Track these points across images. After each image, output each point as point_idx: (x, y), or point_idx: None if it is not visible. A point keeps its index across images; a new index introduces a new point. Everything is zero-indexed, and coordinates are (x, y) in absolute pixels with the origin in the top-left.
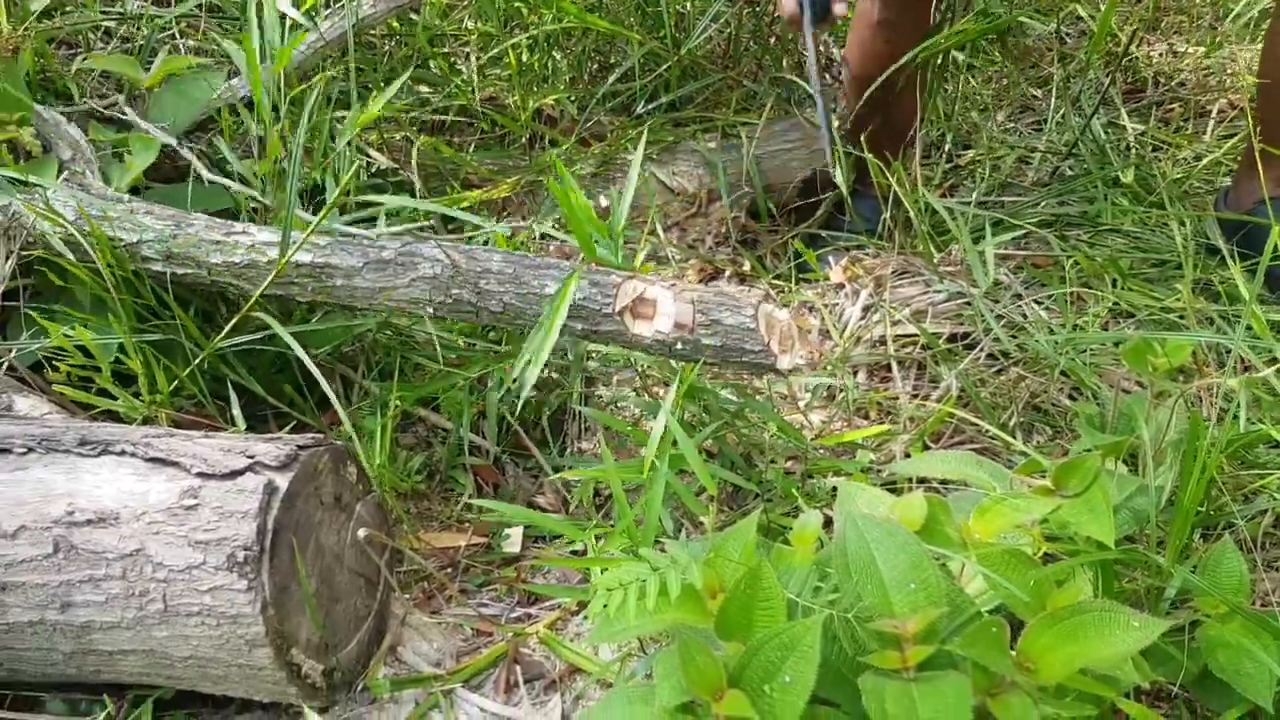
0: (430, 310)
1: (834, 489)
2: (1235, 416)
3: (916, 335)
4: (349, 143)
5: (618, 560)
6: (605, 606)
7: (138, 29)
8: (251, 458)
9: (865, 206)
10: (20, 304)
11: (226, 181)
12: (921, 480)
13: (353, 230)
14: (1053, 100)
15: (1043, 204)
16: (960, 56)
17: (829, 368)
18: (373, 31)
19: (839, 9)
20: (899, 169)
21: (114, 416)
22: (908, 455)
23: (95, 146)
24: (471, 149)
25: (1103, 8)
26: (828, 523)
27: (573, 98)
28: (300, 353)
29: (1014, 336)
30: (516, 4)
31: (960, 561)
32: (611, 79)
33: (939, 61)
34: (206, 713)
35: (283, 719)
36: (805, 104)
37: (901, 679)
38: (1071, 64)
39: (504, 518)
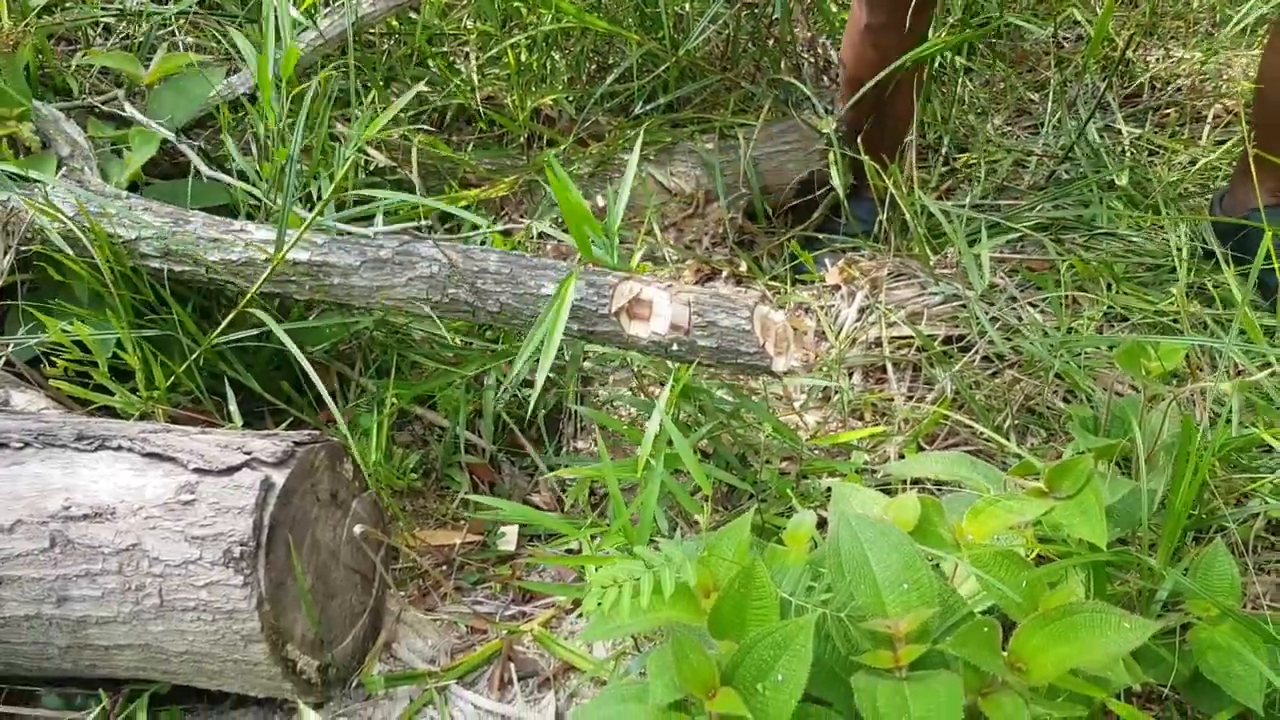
0: (427, 309)
1: (828, 490)
2: (1228, 420)
3: (912, 337)
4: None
5: (612, 558)
6: (600, 604)
7: (137, 25)
8: (248, 454)
9: (862, 209)
10: (18, 300)
11: (225, 178)
12: (915, 481)
13: (351, 229)
14: (1049, 104)
15: (1038, 207)
16: (958, 60)
17: (824, 369)
18: (372, 30)
19: None
20: (895, 171)
21: (111, 412)
22: (902, 457)
23: (95, 143)
24: (470, 148)
25: (1100, 12)
26: (822, 523)
27: (571, 98)
28: (295, 351)
29: (1009, 339)
30: (515, 4)
31: (953, 562)
32: (610, 79)
33: (935, 65)
34: (202, 708)
35: (277, 715)
36: (802, 106)
37: (894, 678)
38: (1068, 68)
39: (500, 515)
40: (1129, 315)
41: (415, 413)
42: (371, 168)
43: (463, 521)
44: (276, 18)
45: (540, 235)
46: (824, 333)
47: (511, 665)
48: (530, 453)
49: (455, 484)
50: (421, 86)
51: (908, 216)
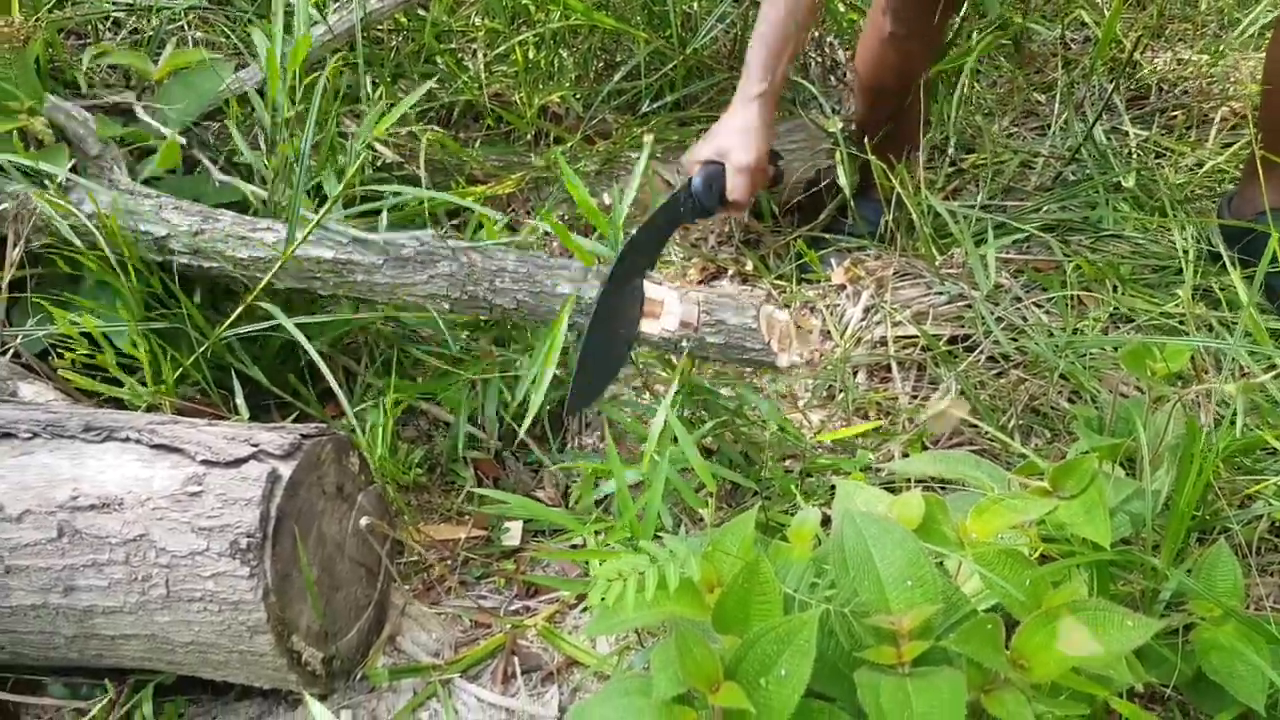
0: (447, 306)
1: (832, 487)
2: (1232, 422)
3: (917, 337)
4: (362, 140)
5: (617, 553)
6: (604, 598)
7: (147, 20)
8: (255, 446)
9: (868, 208)
10: (28, 292)
11: (239, 182)
12: (920, 480)
13: (366, 235)
14: (1056, 106)
15: (1045, 208)
16: (966, 62)
17: (829, 368)
18: (380, 26)
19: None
20: (902, 172)
21: (119, 404)
22: (906, 455)
23: (101, 141)
24: (477, 144)
25: (1108, 14)
26: (826, 520)
27: (578, 95)
28: (305, 344)
29: (1014, 339)
30: (524, 1)
31: (957, 560)
32: (617, 77)
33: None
34: (207, 699)
35: (282, 706)
36: (809, 105)
37: (897, 674)
38: (1076, 70)
39: (504, 510)
40: (1134, 317)
41: (420, 408)
42: (379, 163)
43: (467, 516)
44: (287, 8)
45: (546, 233)
46: (829, 331)
47: (515, 659)
48: (535, 449)
49: (460, 479)
50: (430, 83)
51: (914, 217)
